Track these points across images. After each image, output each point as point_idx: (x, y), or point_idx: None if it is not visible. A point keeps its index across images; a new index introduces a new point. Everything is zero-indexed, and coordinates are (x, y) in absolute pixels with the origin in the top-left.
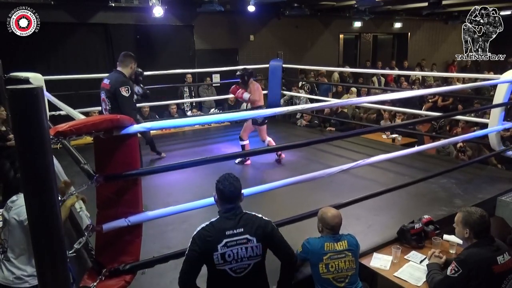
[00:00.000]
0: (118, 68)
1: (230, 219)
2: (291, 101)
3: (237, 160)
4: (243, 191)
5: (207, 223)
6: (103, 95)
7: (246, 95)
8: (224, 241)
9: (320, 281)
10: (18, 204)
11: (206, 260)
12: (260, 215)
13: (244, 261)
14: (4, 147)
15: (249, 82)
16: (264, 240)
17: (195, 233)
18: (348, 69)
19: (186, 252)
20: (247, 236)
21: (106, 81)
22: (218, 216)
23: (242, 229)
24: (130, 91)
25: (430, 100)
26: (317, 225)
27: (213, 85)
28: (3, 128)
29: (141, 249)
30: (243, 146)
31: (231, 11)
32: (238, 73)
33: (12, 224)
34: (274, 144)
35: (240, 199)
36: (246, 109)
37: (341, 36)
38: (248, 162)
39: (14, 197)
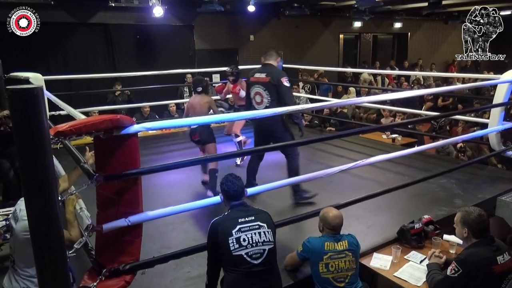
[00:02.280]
0: (269, 62)
1: (240, 210)
2: None
3: (238, 161)
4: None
5: (220, 216)
6: (258, 89)
7: (242, 93)
8: (238, 226)
9: (320, 281)
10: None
11: (223, 247)
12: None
13: (259, 245)
14: (3, 147)
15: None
16: (272, 228)
17: (210, 225)
18: (350, 69)
19: (206, 243)
20: (258, 222)
21: (260, 75)
22: (229, 211)
23: (253, 217)
24: (289, 82)
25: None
26: (318, 224)
27: (213, 85)
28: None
29: (141, 249)
30: (240, 143)
31: (231, 11)
32: (231, 69)
33: (21, 238)
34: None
35: (244, 195)
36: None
37: (341, 36)
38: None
39: (22, 205)
